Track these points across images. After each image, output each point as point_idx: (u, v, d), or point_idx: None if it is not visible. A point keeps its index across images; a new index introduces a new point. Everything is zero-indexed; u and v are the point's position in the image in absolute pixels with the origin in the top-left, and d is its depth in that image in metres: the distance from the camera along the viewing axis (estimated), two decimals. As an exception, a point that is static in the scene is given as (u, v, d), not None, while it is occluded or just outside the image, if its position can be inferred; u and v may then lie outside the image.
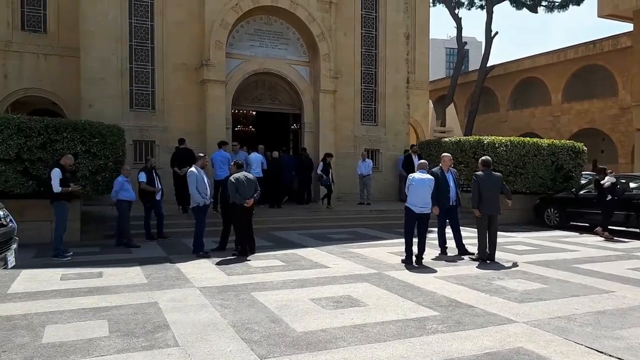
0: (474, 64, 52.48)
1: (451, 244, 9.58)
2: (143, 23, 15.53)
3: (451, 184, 9.39)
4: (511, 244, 11.03)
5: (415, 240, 8.66)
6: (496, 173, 9.19)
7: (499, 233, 9.35)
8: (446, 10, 32.77)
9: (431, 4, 33.01)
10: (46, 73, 15.44)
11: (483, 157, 9.30)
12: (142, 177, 10.63)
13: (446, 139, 17.07)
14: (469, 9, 34.41)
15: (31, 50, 15.34)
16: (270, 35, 17.14)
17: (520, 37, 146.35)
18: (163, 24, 15.58)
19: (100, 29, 14.73)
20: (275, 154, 15.61)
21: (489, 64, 31.50)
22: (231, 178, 8.99)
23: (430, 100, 25.04)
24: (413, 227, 8.71)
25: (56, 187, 8.49)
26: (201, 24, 15.72)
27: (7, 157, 9.56)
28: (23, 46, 15.25)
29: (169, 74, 15.62)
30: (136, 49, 15.41)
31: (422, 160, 9.31)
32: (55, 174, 8.50)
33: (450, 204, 9.37)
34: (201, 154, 9.80)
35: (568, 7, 30.80)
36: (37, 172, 9.76)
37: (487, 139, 15.34)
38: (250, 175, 9.30)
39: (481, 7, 33.19)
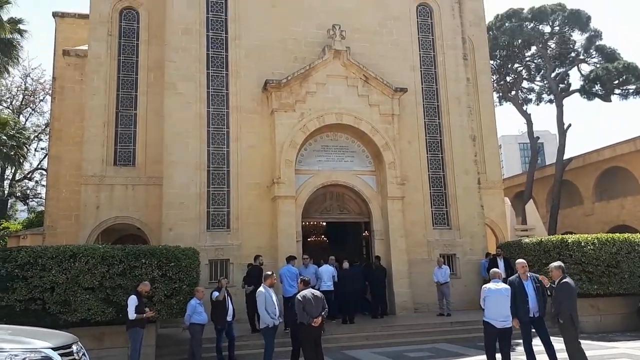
0: (550, 157, 50.83)
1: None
2: (220, 150, 16.90)
3: (530, 292, 8.59)
4: (613, 357, 9.66)
5: (498, 357, 7.87)
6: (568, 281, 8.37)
7: (595, 343, 8.30)
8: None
9: (497, 103, 33.38)
10: (133, 201, 16.93)
11: (556, 264, 8.60)
12: (215, 294, 10.86)
13: (527, 240, 16.10)
14: (538, 104, 34.24)
15: (121, 182, 17.04)
16: (336, 149, 17.89)
17: (597, 125, 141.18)
18: (238, 149, 16.84)
19: (182, 158, 16.20)
20: (346, 264, 15.45)
21: (566, 156, 30.36)
22: (298, 296, 8.91)
23: (506, 198, 24.16)
24: (494, 343, 8.00)
25: (131, 314, 8.85)
26: (272, 145, 16.81)
27: (92, 286, 10.22)
28: (114, 179, 17.01)
29: (242, 193, 16.53)
30: (213, 173, 16.64)
31: (493, 269, 8.77)
32: (132, 302, 8.91)
33: (531, 315, 8.50)
34: (269, 272, 9.89)
35: (644, 92, 29.70)
36: (117, 299, 10.28)
37: (571, 237, 14.27)
38: (317, 293, 9.17)
39: (550, 101, 32.91)
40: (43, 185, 36.85)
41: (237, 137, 16.96)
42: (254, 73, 17.39)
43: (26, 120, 36.61)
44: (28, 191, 38.20)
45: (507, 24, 30.60)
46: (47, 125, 33.83)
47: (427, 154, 18.77)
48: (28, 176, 37.72)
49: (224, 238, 16.16)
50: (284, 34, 17.96)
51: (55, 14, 22.87)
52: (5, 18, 22.10)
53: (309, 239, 20.18)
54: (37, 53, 64.13)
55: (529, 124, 31.42)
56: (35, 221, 23.37)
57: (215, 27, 17.78)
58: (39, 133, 36.24)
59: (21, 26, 22.71)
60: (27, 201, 38.26)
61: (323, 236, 21.58)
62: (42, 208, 30.07)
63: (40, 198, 36.93)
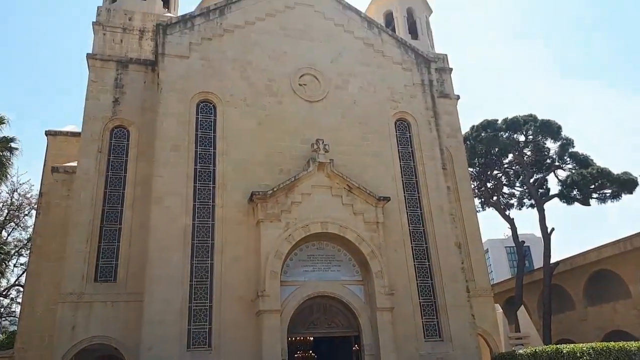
0: (537, 260, 50.82)
1: None
2: (204, 262, 16.66)
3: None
4: None
5: None
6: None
7: None
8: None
9: (480, 209, 34.05)
10: (113, 320, 16.18)
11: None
12: None
13: (521, 351, 15.55)
14: (520, 209, 34.90)
15: (100, 299, 16.42)
16: (323, 259, 17.77)
17: (582, 227, 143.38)
18: (222, 261, 16.62)
19: (165, 272, 15.88)
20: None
21: (553, 259, 30.36)
22: None
23: (497, 305, 23.65)
24: None
25: None
26: (257, 256, 16.65)
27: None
28: (93, 296, 16.43)
29: (226, 308, 15.99)
30: (196, 287, 16.22)
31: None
32: None
33: None
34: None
35: (621, 196, 30.62)
36: None
37: (566, 347, 13.84)
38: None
39: (532, 205, 33.61)
40: (18, 303, 35.31)
41: (222, 249, 16.82)
42: (240, 185, 17.75)
43: (8, 235, 36.11)
44: (2, 309, 36.46)
45: (483, 134, 32.25)
46: (29, 240, 33.34)
47: (414, 261, 18.67)
48: (4, 293, 36.27)
49: (206, 357, 15.28)
50: (270, 148, 18.66)
51: (48, 133, 23.65)
52: (-2, 137, 22.82)
53: (295, 355, 19.20)
54: (27, 168, 65.37)
55: (514, 228, 31.81)
56: (6, 342, 22.03)
57: (204, 143, 18.47)
58: (20, 248, 35.58)
59: (12, 144, 23.38)
60: (0, 320, 36.35)
61: (311, 351, 20.55)
62: (15, 327, 28.54)
63: (14, 317, 35.15)
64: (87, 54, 20.36)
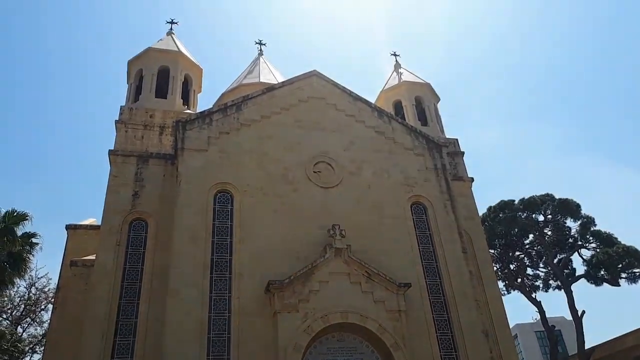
0: (571, 344, 47.87)
1: None
2: (220, 357, 16.03)
3: None
4: None
5: None
6: None
7: None
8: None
9: (505, 292, 32.86)
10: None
11: None
12: None
13: None
14: (546, 291, 33.62)
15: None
16: (344, 352, 17.03)
17: (615, 308, 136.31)
18: (239, 357, 16.02)
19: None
20: None
21: (588, 343, 28.60)
22: None
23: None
24: None
25: None
26: (275, 350, 15.96)
27: None
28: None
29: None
30: (212, 384, 15.44)
31: None
32: None
33: None
34: None
35: (651, 275, 29.43)
36: None
37: None
38: None
39: (558, 287, 32.42)
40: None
41: (239, 343, 16.23)
42: (257, 274, 17.52)
43: (23, 331, 35.54)
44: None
45: (500, 215, 31.98)
46: (43, 336, 32.70)
47: (441, 352, 17.73)
48: (16, 394, 34.94)
49: None
50: (286, 235, 18.63)
51: (68, 227, 24.08)
52: (19, 233, 23.16)
53: None
54: (46, 261, 65.71)
55: (542, 312, 30.42)
56: None
57: (221, 232, 18.55)
58: (34, 344, 34.79)
59: (33, 239, 23.62)
60: None
61: None
62: None
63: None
64: (109, 150, 21.18)
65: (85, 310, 17.94)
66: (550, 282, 32.62)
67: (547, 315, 31.30)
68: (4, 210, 23.07)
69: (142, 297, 17.90)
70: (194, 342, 15.85)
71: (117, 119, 22.54)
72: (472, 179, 24.95)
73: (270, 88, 22.74)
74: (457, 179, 23.99)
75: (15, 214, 22.91)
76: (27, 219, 23.02)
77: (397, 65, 31.08)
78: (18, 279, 23.99)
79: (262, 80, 30.61)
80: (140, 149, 21.76)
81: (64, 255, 22.86)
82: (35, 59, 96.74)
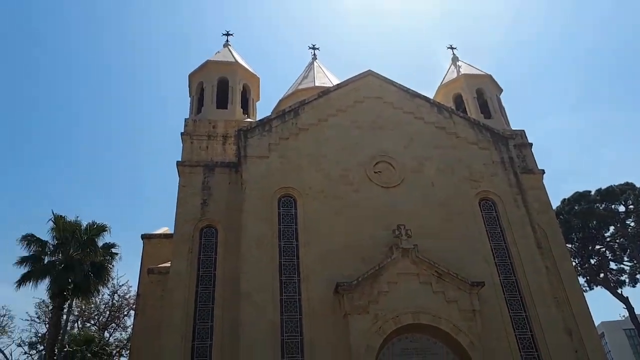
0: (665, 343, 44.36)
1: None
2: (294, 359, 16.17)
3: None
4: None
5: None
6: None
7: None
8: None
9: (586, 288, 30.99)
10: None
11: None
12: None
13: None
14: (634, 286, 31.34)
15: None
16: (418, 353, 16.70)
17: None
18: (312, 359, 16.05)
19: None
20: None
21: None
22: None
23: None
24: None
25: None
26: (347, 352, 15.92)
27: None
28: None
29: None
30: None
31: None
32: None
33: None
34: None
35: None
36: None
37: None
38: None
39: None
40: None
41: (311, 345, 16.34)
42: (324, 276, 17.56)
43: (110, 335, 37.83)
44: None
45: (576, 207, 30.25)
46: (128, 340, 34.64)
47: (521, 352, 16.96)
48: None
49: None
50: (350, 237, 18.56)
51: (143, 236, 25.33)
52: (100, 244, 24.70)
53: None
54: (125, 269, 69.56)
55: (630, 308, 28.38)
56: None
57: (287, 236, 18.80)
58: (121, 348, 36.93)
59: (113, 250, 25.12)
60: None
61: None
62: None
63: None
64: (177, 161, 22.06)
65: (164, 315, 18.72)
66: (638, 276, 30.37)
67: (637, 312, 29.17)
68: (85, 223, 24.74)
69: (216, 302, 18.46)
70: (269, 344, 16.14)
71: (183, 131, 23.45)
72: (542, 171, 23.78)
73: (325, 91, 22.82)
74: (527, 172, 22.95)
75: (95, 226, 24.49)
76: (106, 230, 24.54)
77: (455, 59, 30.26)
78: (102, 287, 25.60)
79: (317, 84, 30.83)
80: (205, 158, 22.49)
81: (141, 263, 24.06)
82: (96, 76, 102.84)
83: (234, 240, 19.33)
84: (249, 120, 24.65)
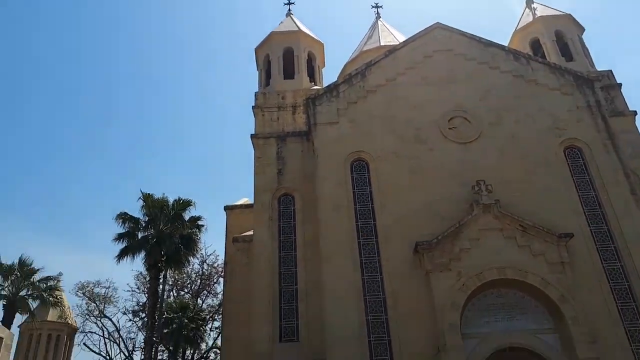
0: None
1: None
2: (379, 318, 16.54)
3: None
4: None
5: None
6: None
7: None
8: None
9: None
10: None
11: None
12: None
13: None
14: None
15: (286, 358, 17.21)
16: (505, 308, 16.45)
17: None
18: (396, 316, 16.34)
19: (342, 330, 16.09)
20: None
21: None
22: None
23: None
24: None
25: None
26: (431, 309, 16.02)
27: None
28: (281, 356, 17.24)
29: (407, 365, 15.47)
30: (375, 343, 16.08)
31: None
32: None
33: None
34: None
35: None
36: None
37: None
38: None
39: None
40: (217, 365, 38.87)
41: (394, 303, 16.59)
42: (403, 237, 17.59)
43: (202, 302, 40.55)
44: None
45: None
46: (219, 305, 36.97)
47: (617, 303, 16.18)
48: (205, 356, 40.29)
49: None
50: (427, 196, 18.35)
51: (226, 207, 26.54)
52: (186, 218, 26.23)
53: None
54: (212, 241, 73.50)
55: None
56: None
57: (362, 200, 18.93)
58: (213, 313, 39.54)
59: (199, 222, 26.60)
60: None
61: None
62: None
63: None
64: (251, 134, 22.73)
65: (251, 281, 19.77)
66: None
67: None
68: (171, 199, 26.32)
69: (298, 265, 19.16)
70: (352, 304, 16.57)
71: (253, 104, 24.01)
72: (634, 113, 21.99)
73: (392, 50, 22.28)
74: (617, 115, 21.30)
75: (181, 201, 25.99)
76: (191, 205, 25.99)
77: (529, 1, 28.25)
78: (191, 258, 27.32)
79: (382, 43, 30.14)
80: (277, 130, 22.95)
81: (225, 233, 25.27)
82: (171, 53, 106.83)
83: (310, 206, 19.78)
84: (316, 87, 24.70)
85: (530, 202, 17.79)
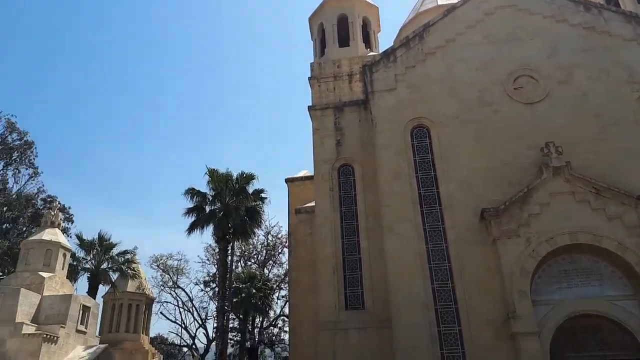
0: None
1: None
2: (444, 286, 16.46)
3: None
4: None
5: None
6: None
7: None
8: None
9: None
10: (366, 345, 16.98)
11: None
12: None
13: None
14: None
15: (353, 326, 17.56)
16: (578, 273, 15.88)
17: None
18: (462, 284, 16.17)
19: (407, 299, 16.18)
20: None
21: None
22: None
23: None
24: None
25: None
26: (499, 276, 15.71)
27: None
28: (347, 323, 17.66)
29: (475, 332, 15.40)
30: (442, 311, 16.06)
31: None
32: None
33: None
34: None
35: None
36: None
37: None
38: None
39: None
40: (285, 331, 40.54)
41: (460, 271, 16.41)
42: (468, 204, 17.23)
43: (269, 272, 42.07)
44: (274, 337, 42.32)
45: None
46: (285, 274, 38.20)
47: None
48: (273, 323, 42.07)
49: (464, 385, 14.85)
50: (492, 161, 17.77)
51: (287, 180, 27.03)
52: (250, 191, 26.97)
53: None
54: (276, 213, 75.48)
55: None
56: (282, 367, 25.26)
57: (424, 167, 18.62)
58: (279, 282, 40.96)
59: (262, 195, 27.30)
60: (274, 347, 42.16)
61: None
62: (287, 354, 32.56)
63: (285, 344, 40.36)
64: (308, 106, 22.75)
65: (314, 250, 20.18)
66: None
67: None
68: (235, 174, 27.09)
69: (360, 235, 19.29)
70: (416, 273, 16.55)
71: (309, 75, 23.92)
72: None
73: (450, 9, 21.30)
74: (702, 64, 19.36)
75: (244, 175, 26.70)
76: (254, 178, 26.66)
77: (601, -57, 25.89)
78: (256, 229, 28.22)
79: (440, 3, 28.89)
80: (334, 100, 22.82)
81: (288, 204, 25.86)
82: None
83: (370, 176, 19.71)
84: (372, 54, 24.21)
85: (604, 163, 16.79)
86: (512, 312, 14.77)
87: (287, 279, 32.48)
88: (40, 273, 20.15)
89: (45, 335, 17.73)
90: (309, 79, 23.85)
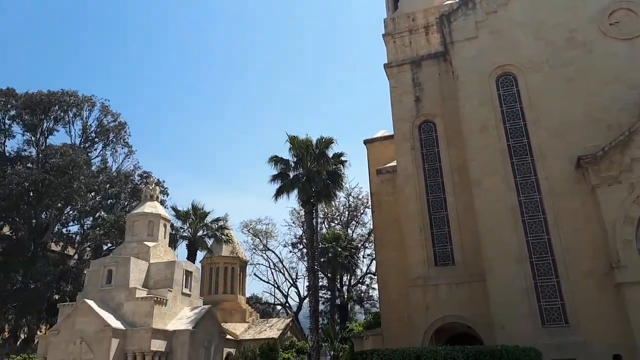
0: None
1: None
2: (540, 239, 15.96)
3: None
4: None
5: None
6: None
7: None
8: None
9: None
10: (458, 300, 17.11)
11: None
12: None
13: None
14: None
15: (444, 282, 17.61)
16: (689, 220, 14.61)
17: None
18: (559, 235, 15.59)
19: (500, 253, 15.91)
20: None
21: None
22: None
23: None
24: None
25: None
26: (599, 225, 14.97)
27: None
28: (437, 279, 17.75)
29: (575, 283, 14.93)
30: (537, 264, 15.65)
31: None
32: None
33: None
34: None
35: None
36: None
37: None
38: None
39: None
40: (373, 288, 41.57)
41: (556, 222, 15.79)
42: (561, 153, 16.38)
43: (352, 232, 42.91)
44: (362, 294, 43.60)
45: None
46: (369, 234, 38.77)
47: None
48: (360, 281, 43.23)
49: (564, 335, 14.53)
50: (588, 105, 16.64)
51: (365, 141, 26.94)
52: (330, 155, 27.26)
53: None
54: (354, 174, 75.79)
55: None
56: (373, 322, 25.89)
57: (511, 117, 17.84)
58: (364, 241, 41.73)
59: (342, 158, 27.48)
60: (363, 304, 43.47)
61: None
62: (376, 309, 33.42)
63: (373, 300, 41.45)
64: (384, 64, 22.28)
65: (399, 209, 20.22)
66: None
67: None
68: (314, 139, 27.45)
69: (446, 192, 19.02)
70: (508, 226, 16.16)
71: (383, 32, 23.35)
72: None
73: (533, -57, 19.64)
74: None
75: (323, 140, 26.97)
76: (333, 142, 26.85)
77: None
78: (338, 192, 28.65)
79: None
80: (410, 55, 22.18)
81: (368, 166, 25.85)
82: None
83: (454, 131, 19.20)
84: (448, 2, 23.10)
85: None
86: (616, 262, 14.09)
87: (371, 237, 32.94)
88: (145, 242, 22.05)
89: (156, 298, 19.53)
90: (383, 35, 23.31)
